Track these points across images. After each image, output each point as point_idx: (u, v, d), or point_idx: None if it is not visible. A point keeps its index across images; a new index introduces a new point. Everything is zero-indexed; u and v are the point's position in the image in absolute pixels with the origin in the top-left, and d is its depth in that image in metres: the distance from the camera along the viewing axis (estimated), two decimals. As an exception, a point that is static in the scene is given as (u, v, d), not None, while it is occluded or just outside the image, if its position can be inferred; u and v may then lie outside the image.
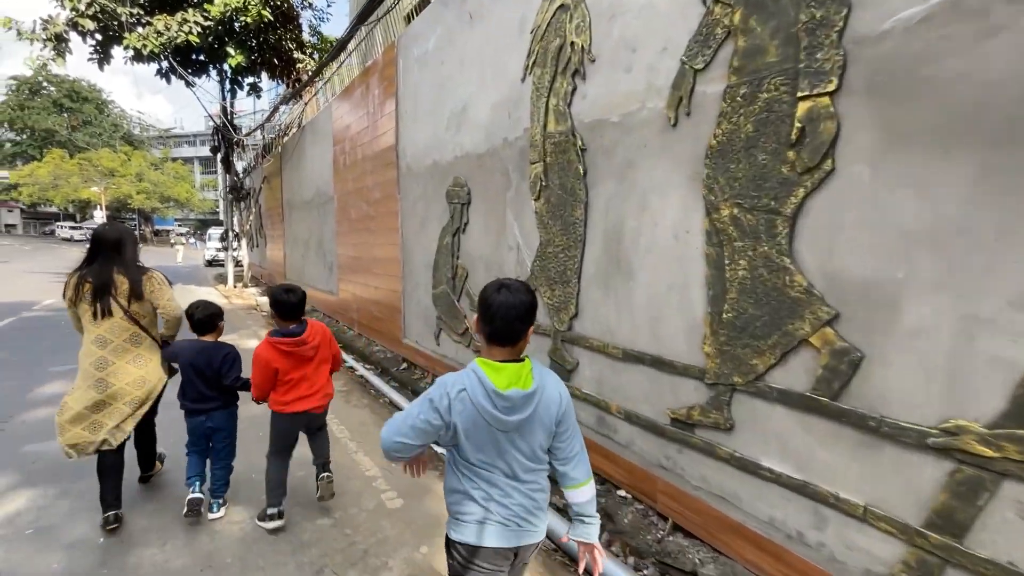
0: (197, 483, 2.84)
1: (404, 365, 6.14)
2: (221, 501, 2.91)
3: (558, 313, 3.47)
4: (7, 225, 51.52)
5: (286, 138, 12.44)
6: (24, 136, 43.48)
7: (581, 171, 3.18)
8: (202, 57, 11.82)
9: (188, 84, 11.57)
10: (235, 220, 14.14)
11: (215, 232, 24.31)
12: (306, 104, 10.83)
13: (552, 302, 3.52)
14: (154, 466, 3.25)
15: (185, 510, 2.76)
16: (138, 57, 11.36)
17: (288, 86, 12.56)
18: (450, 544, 1.55)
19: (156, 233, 51.98)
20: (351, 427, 4.38)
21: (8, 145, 44.58)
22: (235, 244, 14.00)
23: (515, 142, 3.81)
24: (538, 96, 3.51)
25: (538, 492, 1.55)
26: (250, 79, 12.98)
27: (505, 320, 1.43)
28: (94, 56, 10.54)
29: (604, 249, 3.08)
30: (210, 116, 12.56)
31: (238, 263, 14.37)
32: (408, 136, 5.74)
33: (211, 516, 2.84)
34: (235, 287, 14.33)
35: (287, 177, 12.32)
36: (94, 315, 2.62)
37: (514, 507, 1.49)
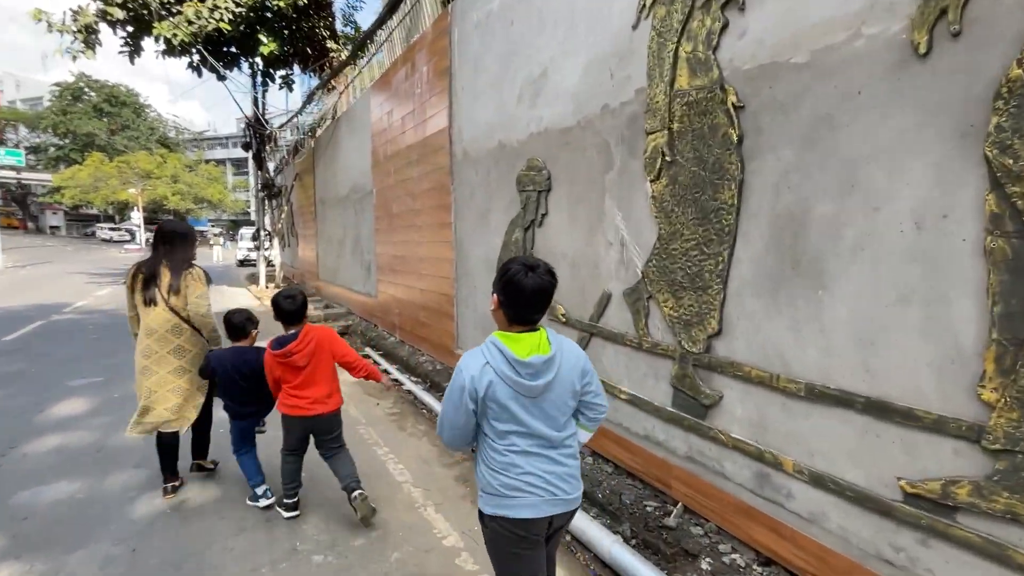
0: (265, 487, 2.91)
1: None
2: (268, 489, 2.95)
3: (688, 329, 2.62)
4: (51, 227, 53.06)
5: (319, 132, 11.85)
6: (67, 140, 44.65)
7: (733, 138, 2.32)
8: (233, 49, 11.31)
9: (220, 76, 11.07)
10: (267, 219, 13.68)
11: (247, 232, 24.14)
12: (340, 94, 10.18)
13: (677, 314, 2.67)
14: (206, 456, 3.27)
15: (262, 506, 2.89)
16: (169, 50, 10.91)
17: (320, 78, 11.97)
18: (484, 517, 1.55)
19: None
20: (411, 467, 3.54)
21: (52, 149, 45.88)
22: (267, 243, 13.54)
23: (621, 109, 2.97)
24: (662, 44, 2.66)
25: (570, 459, 1.56)
26: (282, 71, 12.45)
27: (531, 304, 1.47)
28: (125, 48, 10.10)
29: (771, 244, 2.21)
30: (240, 108, 12.07)
31: (270, 263, 13.91)
32: (465, 116, 4.95)
33: (286, 515, 2.84)
34: (267, 287, 13.87)
35: (320, 173, 11.74)
36: (144, 303, 2.80)
37: (547, 475, 1.50)
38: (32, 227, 51.94)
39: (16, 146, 49.58)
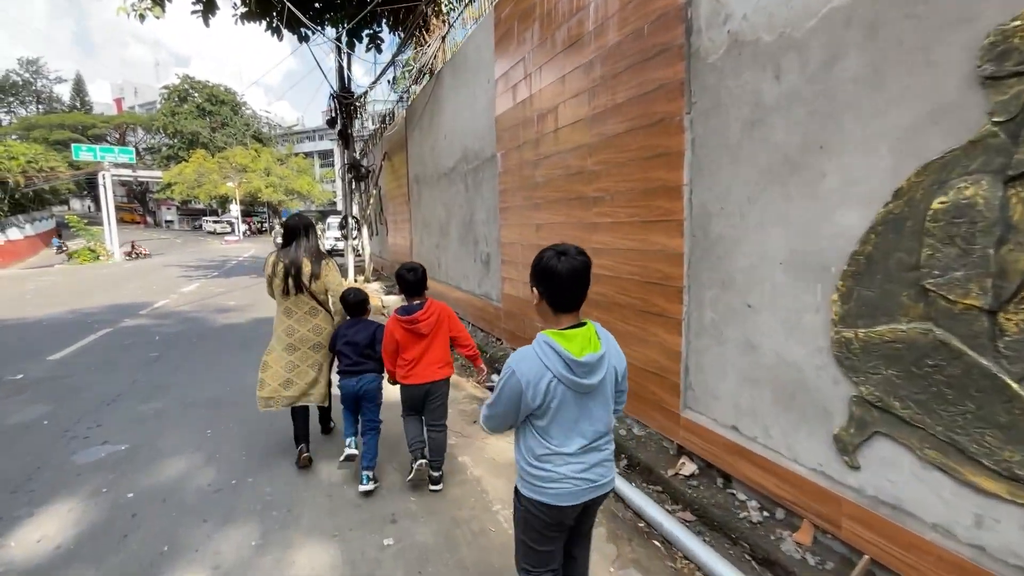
0: (352, 440, 3.06)
1: (688, 470, 2.92)
2: (370, 475, 2.98)
3: None
4: (166, 221, 57.03)
5: (411, 99, 9.76)
6: (175, 140, 47.17)
7: None
8: (317, 4, 9.44)
9: (302, 38, 9.28)
10: (354, 204, 11.99)
11: (333, 220, 23.15)
12: (440, 45, 7.95)
13: None
14: (330, 426, 3.75)
15: (342, 457, 3.01)
16: (248, 12, 9.27)
17: (410, 38, 9.84)
18: (520, 496, 1.58)
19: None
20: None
21: (164, 149, 48.76)
22: (354, 232, 11.86)
23: None
24: None
25: (608, 444, 1.58)
26: (368, 30, 10.49)
27: (572, 286, 1.47)
28: (198, 7, 8.53)
29: None
30: (324, 74, 10.25)
31: (358, 253, 12.24)
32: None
33: (361, 488, 2.91)
34: (356, 281, 12.22)
35: (415, 146, 9.69)
36: (284, 291, 3.08)
37: (589, 463, 1.52)
38: (151, 222, 56.09)
39: (134, 147, 53.45)
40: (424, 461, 2.91)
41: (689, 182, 2.86)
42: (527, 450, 1.53)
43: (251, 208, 47.44)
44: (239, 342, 6.42)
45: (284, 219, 3.25)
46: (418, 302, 2.82)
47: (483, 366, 3.14)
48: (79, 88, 59.06)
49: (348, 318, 3.18)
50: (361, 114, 11.16)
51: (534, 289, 1.53)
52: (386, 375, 3.03)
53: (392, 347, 2.87)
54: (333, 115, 11.13)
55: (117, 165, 30.52)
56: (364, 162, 12.52)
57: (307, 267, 3.06)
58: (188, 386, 4.74)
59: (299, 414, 3.20)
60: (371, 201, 12.14)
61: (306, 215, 3.37)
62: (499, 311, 5.85)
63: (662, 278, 3.10)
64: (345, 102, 10.63)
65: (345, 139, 11.12)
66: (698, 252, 2.85)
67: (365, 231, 11.97)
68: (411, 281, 2.82)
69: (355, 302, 3.15)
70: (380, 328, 3.04)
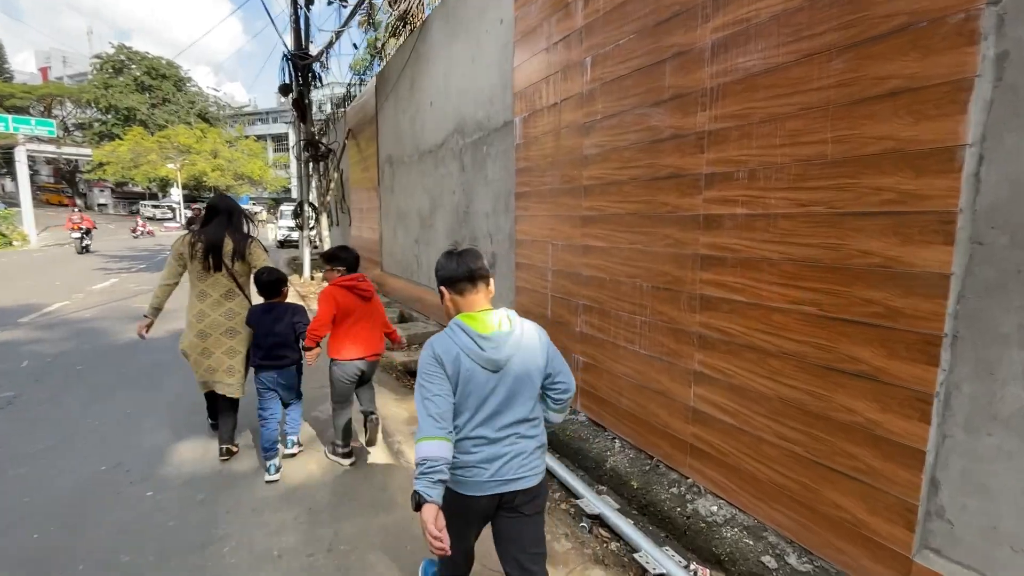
0: (276, 458, 2.87)
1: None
2: (295, 439, 3.08)
3: None
4: (99, 204, 51.60)
5: (382, 65, 8.05)
6: (109, 115, 42.63)
7: None
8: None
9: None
10: (312, 189, 10.12)
11: (287, 208, 20.84)
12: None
13: None
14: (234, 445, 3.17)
15: (268, 479, 2.82)
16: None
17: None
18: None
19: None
20: None
21: (96, 125, 43.98)
22: (312, 222, 10.01)
23: None
24: None
25: (528, 440, 1.54)
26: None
27: (467, 266, 1.54)
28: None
29: None
30: (275, 28, 8.37)
31: (316, 246, 10.39)
32: None
33: (286, 451, 3.02)
34: (313, 278, 10.38)
35: (387, 120, 8.00)
36: (204, 270, 2.87)
37: (500, 457, 1.49)
38: (81, 205, 50.67)
39: (62, 122, 48.06)
40: (374, 416, 3.07)
41: (979, 141, 1.49)
42: None
43: (196, 193, 43.55)
44: (146, 371, 4.62)
45: (209, 200, 3.12)
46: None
47: (400, 336, 3.26)
48: (-3, 54, 52.58)
49: (262, 300, 2.95)
50: (320, 80, 9.32)
51: (441, 291, 1.60)
52: (308, 357, 2.83)
53: (330, 315, 2.77)
54: (287, 80, 9.23)
55: (35, 139, 26.91)
56: (324, 140, 10.63)
57: (228, 245, 2.89)
58: (39, 466, 3.00)
59: (225, 412, 3.02)
60: (331, 186, 10.31)
61: (231, 198, 3.17)
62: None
63: (882, 316, 1.72)
64: (302, 63, 8.76)
65: (301, 110, 9.25)
66: (988, 273, 1.48)
67: (324, 220, 10.13)
68: (345, 258, 2.91)
69: (268, 281, 2.91)
70: (300, 311, 2.95)
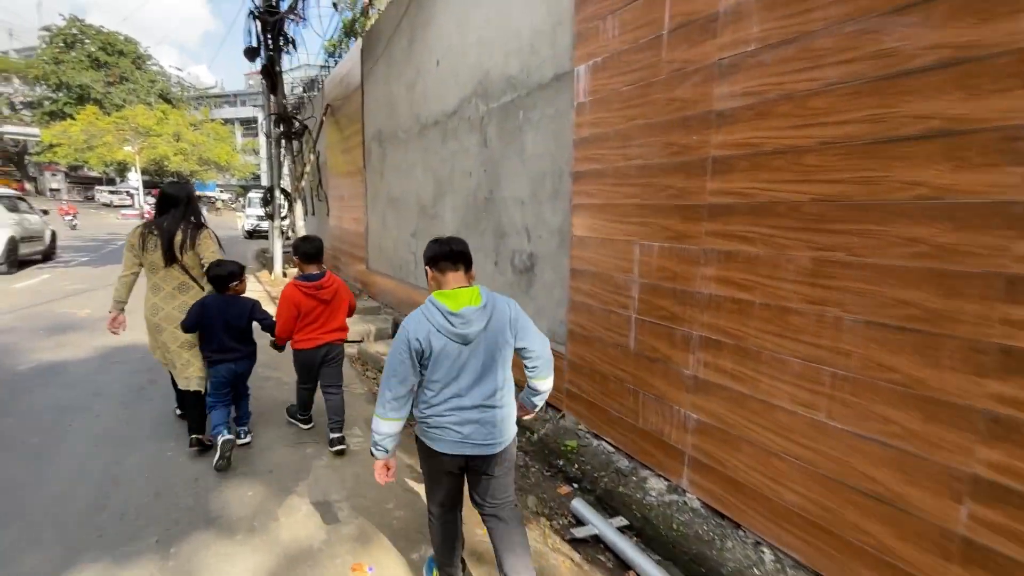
0: (224, 430, 2.76)
1: None
2: (247, 428, 3.01)
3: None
4: (51, 189, 47.73)
5: (368, 25, 6.73)
6: (60, 93, 39.25)
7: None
8: None
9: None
10: (284, 173, 8.68)
11: (255, 196, 19.05)
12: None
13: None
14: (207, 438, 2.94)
15: (217, 456, 2.64)
16: None
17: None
18: (416, 439, 1.71)
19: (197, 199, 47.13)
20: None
21: (47, 103, 40.47)
22: (283, 210, 8.59)
23: None
24: None
25: (495, 410, 1.63)
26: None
27: (449, 247, 1.64)
28: None
29: None
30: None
31: (288, 237, 8.96)
32: None
33: (240, 442, 2.89)
34: (285, 275, 8.97)
35: (376, 89, 6.67)
36: (157, 263, 2.75)
37: (466, 423, 1.59)
38: (31, 189, 46.80)
39: (8, 99, 44.28)
40: (337, 438, 2.93)
41: None
42: (420, 400, 1.64)
43: (158, 179, 40.72)
44: (51, 424, 3.14)
45: (161, 187, 2.86)
46: (317, 272, 2.85)
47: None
48: (-68, 24, 47.98)
49: (213, 293, 2.83)
50: (294, 43, 7.87)
51: (427, 270, 1.69)
52: (270, 340, 2.93)
53: (292, 313, 2.79)
54: (253, 43, 7.75)
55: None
56: (299, 115, 9.15)
57: (179, 236, 2.76)
58: None
59: (190, 407, 2.89)
60: (306, 169, 8.88)
61: (185, 183, 3.12)
62: (558, 362, 3.22)
63: None
64: (271, 19, 7.30)
65: (271, 78, 7.79)
66: None
67: (299, 208, 8.71)
68: (308, 252, 2.86)
69: (217, 276, 2.78)
70: (256, 305, 2.91)
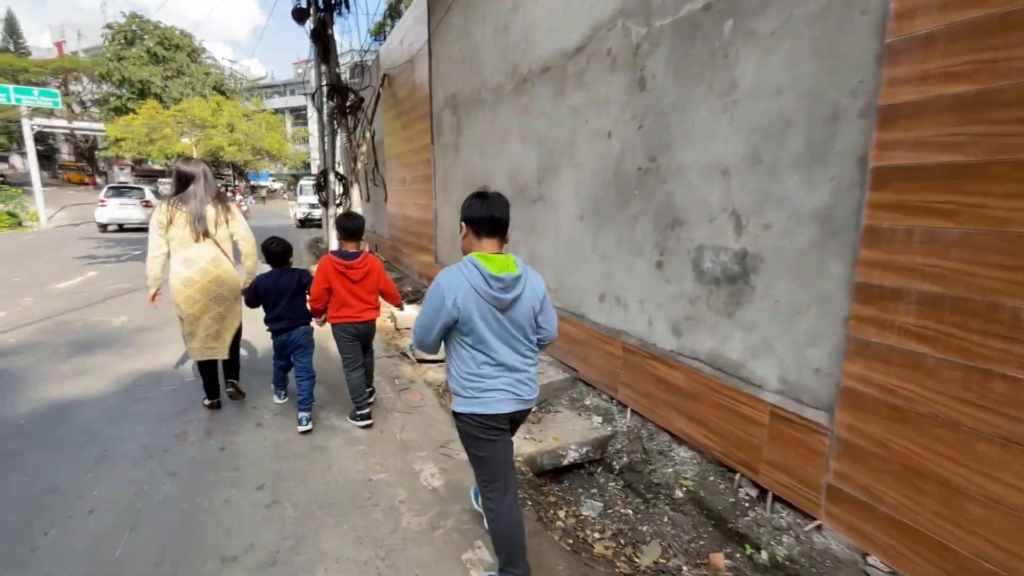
0: (282, 392, 3.22)
1: None
2: (308, 415, 2.92)
3: None
4: (120, 183, 50.10)
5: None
6: (123, 89, 40.50)
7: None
8: None
9: None
10: (338, 152, 7.63)
11: (307, 183, 18.38)
12: None
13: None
14: (238, 375, 3.19)
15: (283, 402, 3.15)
16: None
17: None
18: (457, 415, 1.66)
19: (253, 189, 47.98)
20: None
21: (112, 100, 41.91)
22: (338, 194, 7.55)
23: None
24: None
25: (532, 365, 1.70)
26: None
27: (491, 213, 1.59)
28: None
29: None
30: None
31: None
32: None
33: (300, 429, 2.87)
34: (342, 269, 7.96)
35: (450, 45, 5.41)
36: (188, 238, 2.78)
37: (513, 377, 1.64)
38: (101, 183, 49.14)
39: (79, 97, 46.23)
40: (367, 413, 2.98)
41: None
42: (459, 368, 1.63)
43: (214, 169, 41.55)
44: (8, 549, 1.98)
45: (176, 166, 2.87)
46: (355, 251, 2.87)
47: (400, 302, 3.23)
48: (12, 29, 50.62)
49: (270, 269, 2.98)
50: (348, 3, 6.73)
51: (462, 226, 1.65)
52: (315, 320, 2.95)
53: (322, 289, 2.80)
54: (304, 3, 6.64)
55: (45, 113, 25.10)
56: (355, 84, 8.03)
57: (211, 212, 2.83)
58: None
59: (206, 368, 3.02)
60: (362, 149, 7.79)
61: (200, 160, 3.06)
62: (808, 437, 1.89)
63: None
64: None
65: (323, 43, 6.68)
66: None
67: (356, 193, 7.65)
68: (349, 228, 2.87)
69: (277, 252, 2.97)
70: (305, 274, 3.01)
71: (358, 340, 2.92)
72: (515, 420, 1.70)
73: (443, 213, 6.05)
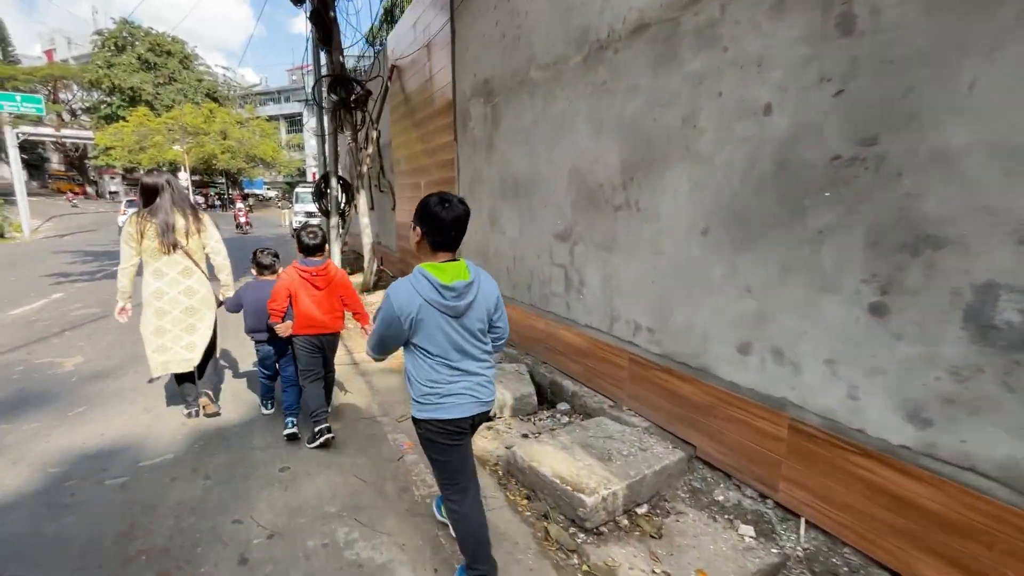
0: (269, 403, 3.21)
1: None
2: (295, 420, 2.92)
3: None
4: (111, 192, 48.57)
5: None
6: (114, 96, 39.38)
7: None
8: None
9: None
10: (340, 154, 6.63)
11: (303, 191, 17.33)
12: None
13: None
14: (210, 387, 3.19)
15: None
16: None
17: None
18: (417, 422, 1.66)
19: (245, 197, 46.61)
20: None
21: (102, 107, 40.75)
22: (342, 203, 6.54)
23: None
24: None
25: (488, 368, 1.70)
26: None
27: (452, 230, 1.57)
28: None
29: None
30: None
31: (345, 243, 6.96)
32: None
33: (285, 432, 2.87)
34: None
35: (482, 20, 4.45)
36: (157, 249, 2.77)
37: (473, 381, 1.63)
38: (91, 192, 47.72)
39: (68, 105, 45.11)
40: (325, 427, 2.84)
41: None
42: (417, 377, 1.62)
43: (207, 178, 40.42)
44: None
45: (140, 178, 2.80)
46: (318, 259, 2.82)
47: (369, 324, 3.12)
48: (0, 36, 49.45)
49: (256, 278, 3.00)
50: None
51: (416, 228, 1.60)
52: (279, 330, 2.81)
53: (284, 294, 2.74)
54: (301, -20, 5.70)
55: (24, 120, 24.00)
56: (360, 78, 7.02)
57: (181, 222, 2.83)
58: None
59: (182, 381, 3.07)
60: (369, 151, 6.81)
61: (165, 171, 3.06)
62: None
63: None
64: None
65: (324, 28, 5.72)
66: None
67: (363, 201, 6.66)
68: (310, 244, 2.80)
69: (266, 264, 2.98)
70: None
71: (320, 352, 2.85)
72: (474, 423, 1.71)
73: (469, 222, 5.07)
